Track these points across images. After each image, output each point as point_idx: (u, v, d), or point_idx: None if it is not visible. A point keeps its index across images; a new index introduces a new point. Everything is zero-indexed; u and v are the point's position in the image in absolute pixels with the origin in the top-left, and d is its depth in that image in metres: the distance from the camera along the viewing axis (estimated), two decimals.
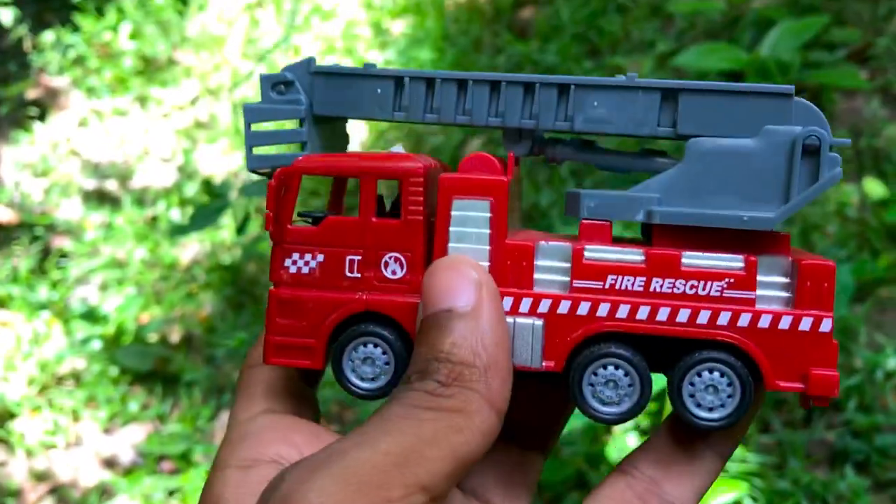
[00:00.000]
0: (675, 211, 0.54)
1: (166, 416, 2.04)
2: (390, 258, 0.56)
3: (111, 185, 2.64)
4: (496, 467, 0.59)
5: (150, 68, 2.89)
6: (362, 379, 0.57)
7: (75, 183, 2.64)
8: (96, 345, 2.18)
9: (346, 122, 0.65)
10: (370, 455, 0.43)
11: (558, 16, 2.88)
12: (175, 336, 2.21)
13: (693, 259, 0.54)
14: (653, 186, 0.55)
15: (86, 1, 2.99)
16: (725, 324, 0.53)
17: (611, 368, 0.54)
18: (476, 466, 0.48)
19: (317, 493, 0.41)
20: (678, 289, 0.54)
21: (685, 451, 0.56)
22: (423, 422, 0.45)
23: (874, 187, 2.23)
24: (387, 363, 0.56)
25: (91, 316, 2.23)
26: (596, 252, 0.54)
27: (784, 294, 0.54)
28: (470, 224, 0.54)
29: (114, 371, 2.13)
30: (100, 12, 2.99)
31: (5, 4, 2.79)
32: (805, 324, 0.53)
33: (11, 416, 2.09)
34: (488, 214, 0.54)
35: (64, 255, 2.43)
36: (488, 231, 0.54)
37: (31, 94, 2.89)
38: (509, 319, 0.54)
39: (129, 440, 2.03)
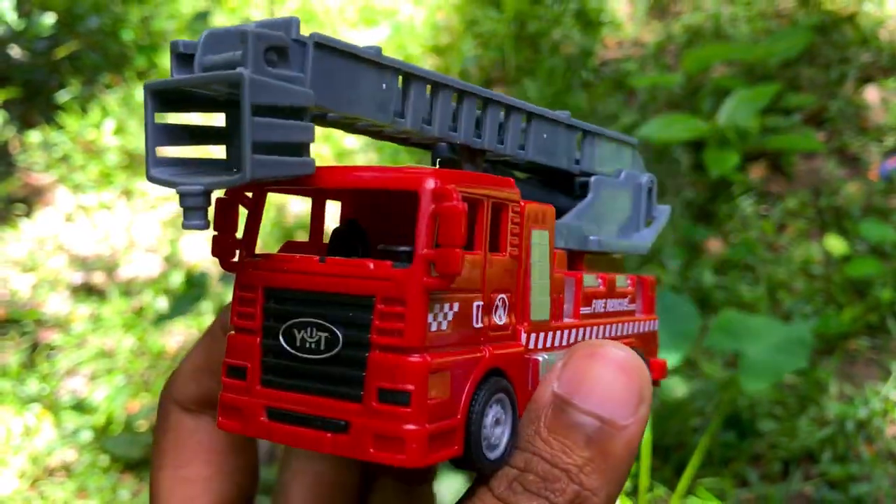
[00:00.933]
0: (607, 240, 0.61)
1: None
2: (500, 301, 0.46)
3: (98, 278, 2.69)
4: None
5: (135, 162, 2.98)
6: (491, 448, 0.45)
7: (63, 277, 2.69)
8: (86, 435, 2.21)
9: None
10: None
11: (525, 95, 3.00)
12: None
13: (620, 281, 0.60)
14: (578, 217, 0.59)
15: (70, 100, 3.09)
16: (636, 332, 0.62)
17: None
18: None
19: None
20: (619, 307, 0.60)
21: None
22: None
23: (836, 244, 2.31)
24: (510, 423, 0.46)
25: (80, 407, 2.26)
26: (587, 279, 0.56)
27: (636, 305, 0.64)
28: (539, 256, 0.50)
29: (104, 460, 2.16)
30: (84, 111, 3.09)
31: None
32: (653, 325, 0.64)
33: None
34: (547, 245, 0.51)
35: (52, 348, 2.48)
36: (549, 264, 0.50)
37: (18, 192, 2.97)
38: (544, 356, 0.50)
39: None
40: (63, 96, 3.10)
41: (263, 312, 0.46)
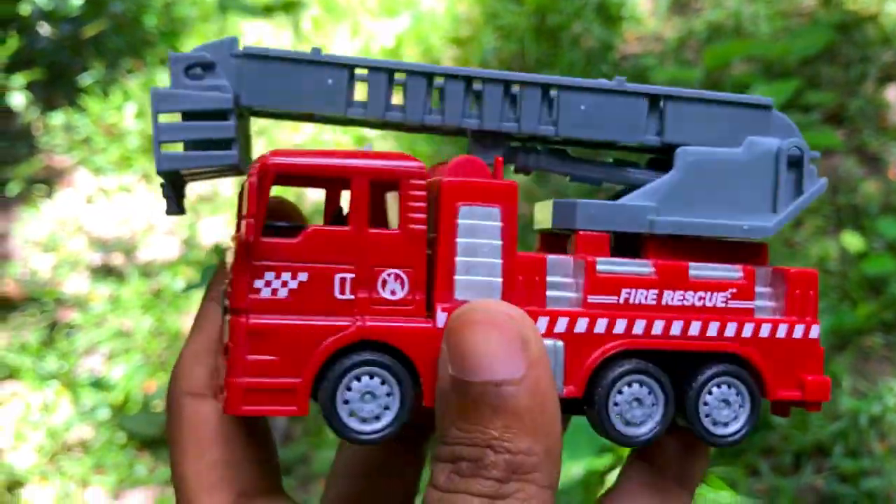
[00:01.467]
0: (679, 220, 0.53)
1: None
2: (389, 275, 0.47)
3: (117, 259, 2.72)
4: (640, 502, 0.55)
5: None
6: (363, 420, 0.47)
7: (82, 258, 2.72)
8: (103, 413, 2.24)
9: (250, 120, 0.57)
10: None
11: None
12: None
13: (699, 270, 0.53)
14: (649, 195, 0.53)
15: (93, 83, 3.12)
16: (732, 335, 0.52)
17: (636, 386, 0.52)
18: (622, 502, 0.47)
19: None
20: (688, 301, 0.52)
21: (656, 490, 0.55)
22: None
23: (852, 241, 2.32)
24: (389, 395, 0.47)
25: (99, 385, 2.29)
26: (608, 265, 0.51)
27: (771, 303, 0.54)
28: (480, 234, 0.48)
29: (121, 438, 2.18)
30: (106, 94, 3.12)
31: (19, 89, 2.92)
32: (798, 331, 0.53)
33: (21, 484, 2.14)
34: (499, 223, 0.49)
35: (71, 326, 2.51)
36: (500, 243, 0.49)
37: (40, 173, 3.00)
38: None
39: None
40: (86, 79, 3.13)
41: None
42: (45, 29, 3.15)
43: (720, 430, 0.53)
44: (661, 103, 0.54)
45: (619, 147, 0.57)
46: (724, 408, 0.53)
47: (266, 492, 0.53)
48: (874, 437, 1.85)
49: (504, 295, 0.49)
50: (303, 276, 0.46)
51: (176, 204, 0.52)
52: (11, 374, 2.38)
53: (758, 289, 0.54)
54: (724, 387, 0.53)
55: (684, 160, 0.54)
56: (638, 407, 0.51)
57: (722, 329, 0.52)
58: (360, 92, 0.53)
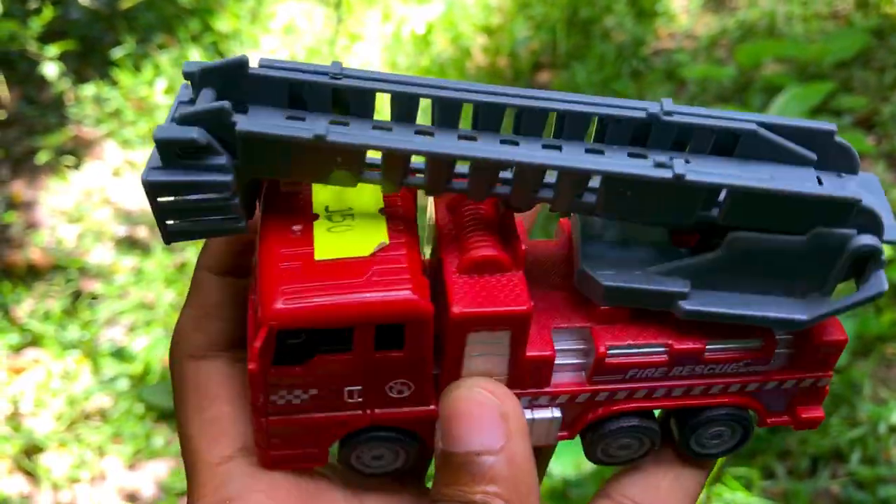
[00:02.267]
0: (704, 311, 0.49)
1: None
2: (395, 384, 0.50)
3: (142, 232, 2.74)
4: None
5: None
6: (370, 468, 0.54)
7: (107, 229, 2.74)
8: (123, 383, 2.26)
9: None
10: None
11: (574, 80, 2.99)
12: None
13: (716, 347, 0.52)
14: (683, 273, 0.49)
15: (124, 57, 3.14)
16: (737, 391, 0.53)
17: (624, 440, 0.54)
18: None
19: None
20: (697, 371, 0.52)
21: (670, 471, 0.57)
22: None
23: None
24: (396, 455, 0.53)
25: (120, 355, 2.31)
26: (619, 350, 0.51)
27: (787, 351, 0.53)
28: (486, 351, 0.49)
29: (139, 408, 2.21)
30: (137, 68, 3.14)
31: (52, 59, 2.94)
32: (807, 383, 0.53)
33: (39, 449, 2.16)
34: (507, 343, 0.49)
35: (95, 297, 2.53)
36: (507, 356, 0.49)
37: (69, 144, 3.03)
38: (528, 415, 0.51)
39: (152, 475, 2.10)
40: (118, 53, 3.14)
41: None
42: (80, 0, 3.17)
43: (705, 451, 0.56)
44: (722, 193, 0.47)
45: None
46: (714, 439, 0.56)
47: None
48: (893, 445, 1.84)
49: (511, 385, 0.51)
50: (313, 391, 0.49)
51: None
52: (34, 340, 2.41)
53: (777, 351, 0.52)
54: (718, 427, 0.55)
55: (735, 246, 0.48)
56: (623, 449, 0.55)
57: (726, 387, 0.53)
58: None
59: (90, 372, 2.31)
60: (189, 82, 0.47)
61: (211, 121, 0.44)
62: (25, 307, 2.49)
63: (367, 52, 3.40)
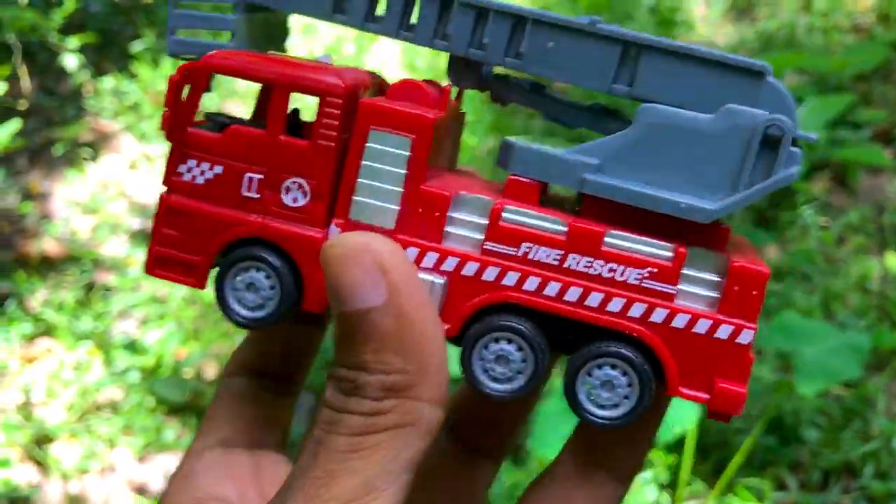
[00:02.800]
0: (609, 184, 0.48)
1: None
2: (293, 183, 0.50)
3: None
4: (444, 478, 0.56)
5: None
6: (245, 307, 0.51)
7: (122, 222, 2.75)
8: (134, 376, 2.27)
9: (288, 14, 0.59)
10: (328, 494, 0.40)
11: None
12: (210, 372, 2.30)
13: (617, 239, 0.48)
14: (594, 150, 0.49)
15: (143, 51, 3.15)
16: (637, 316, 0.48)
17: (503, 343, 0.49)
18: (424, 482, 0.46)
19: None
20: (594, 270, 0.48)
21: (586, 479, 0.52)
22: (369, 451, 0.40)
23: (895, 261, 2.29)
24: (272, 289, 0.50)
25: (132, 348, 2.32)
26: (515, 214, 0.49)
27: (711, 294, 0.48)
28: (385, 160, 0.48)
29: (150, 401, 2.21)
30: (156, 63, 3.15)
31: (72, 51, 2.95)
32: (723, 331, 0.48)
33: (50, 439, 2.17)
34: (407, 153, 0.48)
35: (108, 289, 2.53)
36: (404, 172, 0.49)
37: (86, 136, 3.04)
38: None
39: (161, 469, 2.10)
40: (137, 46, 3.16)
41: None
42: None
43: (595, 410, 0.49)
44: (638, 53, 0.49)
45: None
46: (604, 390, 0.49)
47: (250, 445, 0.57)
48: None
49: (398, 223, 0.49)
50: (218, 169, 0.51)
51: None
52: (47, 330, 2.41)
53: (690, 273, 0.48)
54: (610, 368, 0.49)
55: (644, 118, 0.48)
56: (503, 364, 0.49)
57: (626, 307, 0.48)
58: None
59: (102, 363, 2.32)
60: None
61: None
62: (39, 297, 2.49)
63: (384, 52, 3.41)
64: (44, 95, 3.13)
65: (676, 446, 1.71)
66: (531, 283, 0.48)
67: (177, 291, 2.48)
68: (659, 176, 0.48)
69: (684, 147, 0.48)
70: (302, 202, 0.50)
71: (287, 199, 0.50)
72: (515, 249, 0.48)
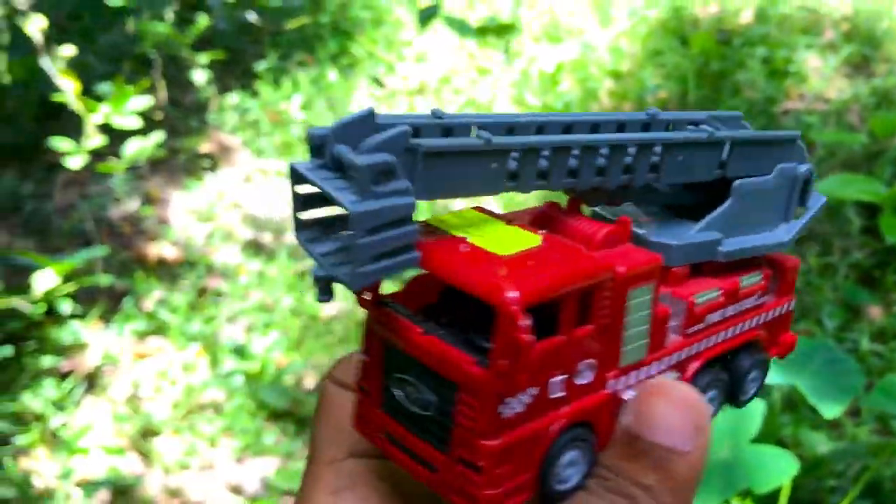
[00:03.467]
0: (740, 248, 0.60)
1: (294, 453, 2.19)
2: (584, 367, 0.50)
3: (267, 238, 2.87)
4: None
5: None
6: (563, 483, 0.51)
7: (235, 232, 2.88)
8: (239, 380, 2.37)
9: None
10: None
11: None
12: (310, 381, 2.38)
13: (745, 282, 0.60)
14: (714, 225, 0.59)
15: (266, 70, 3.29)
16: (758, 324, 0.63)
17: (711, 391, 0.60)
18: None
19: None
20: (739, 308, 0.60)
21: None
22: None
23: None
24: (586, 463, 0.52)
25: (240, 352, 2.42)
26: (699, 298, 0.57)
27: (770, 283, 0.64)
28: (638, 311, 0.52)
29: (252, 405, 2.30)
30: (276, 82, 3.29)
31: (202, 67, 3.11)
32: (786, 307, 0.65)
33: (155, 433, 2.28)
34: (650, 298, 0.53)
35: (219, 294, 2.65)
36: (649, 314, 0.53)
37: (206, 148, 3.19)
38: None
39: (258, 471, 2.19)
40: (260, 66, 3.30)
41: (380, 356, 0.53)
42: (252, 17, 3.35)
43: (750, 395, 0.64)
44: (733, 147, 0.61)
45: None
46: (753, 380, 0.63)
47: (378, 455, 0.59)
48: None
49: (650, 350, 0.54)
50: (534, 391, 0.48)
51: (329, 291, 0.51)
52: (159, 329, 2.54)
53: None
54: (754, 369, 0.63)
55: (739, 192, 0.60)
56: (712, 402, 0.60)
57: (752, 320, 0.62)
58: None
59: (208, 365, 2.43)
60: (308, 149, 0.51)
61: (393, 146, 0.46)
62: (154, 297, 2.63)
63: (494, 86, 3.49)
64: (171, 107, 3.30)
65: (769, 500, 1.71)
66: (714, 339, 0.59)
67: (283, 302, 2.59)
68: (749, 229, 0.62)
69: (761, 203, 0.62)
70: (591, 378, 0.51)
71: (581, 381, 0.50)
72: (703, 324, 0.58)
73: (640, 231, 0.58)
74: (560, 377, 0.49)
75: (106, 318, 2.69)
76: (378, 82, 3.39)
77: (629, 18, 3.77)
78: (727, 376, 0.62)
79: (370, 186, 0.44)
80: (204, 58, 3.14)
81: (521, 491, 0.49)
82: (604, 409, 0.52)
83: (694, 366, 0.57)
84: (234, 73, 3.41)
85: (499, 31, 2.21)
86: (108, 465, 2.40)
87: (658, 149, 0.57)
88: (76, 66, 2.86)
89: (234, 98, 3.21)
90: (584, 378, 0.50)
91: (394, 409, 0.52)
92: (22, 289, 2.89)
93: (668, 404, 0.50)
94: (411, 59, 3.53)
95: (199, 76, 3.11)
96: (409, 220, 0.46)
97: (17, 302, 2.79)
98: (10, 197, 3.52)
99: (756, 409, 1.61)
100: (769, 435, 1.75)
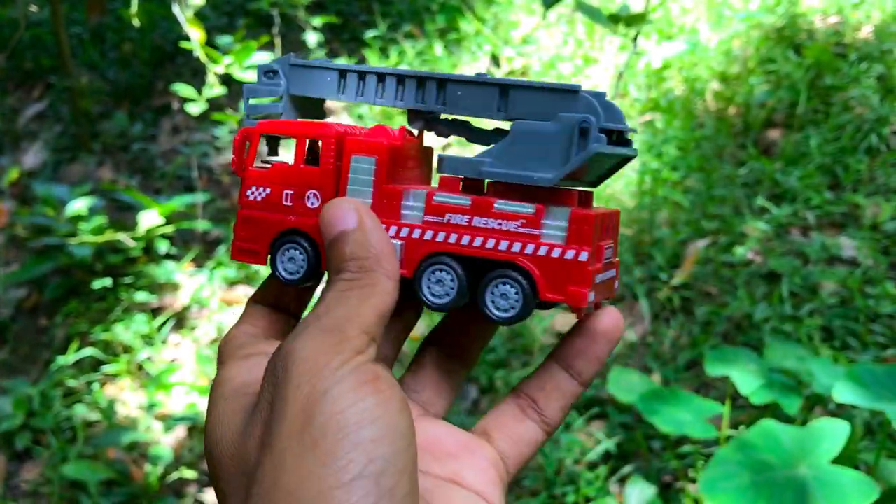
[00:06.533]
0: (493, 171, 0.73)
1: None
2: (311, 193, 0.74)
3: None
4: (430, 375, 0.77)
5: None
6: (287, 273, 0.74)
7: None
8: None
9: (324, 102, 0.83)
10: (328, 318, 0.62)
11: (807, 143, 2.94)
12: None
13: (501, 205, 0.72)
14: (488, 154, 0.74)
15: (374, 38, 3.34)
16: (518, 251, 0.73)
17: (439, 273, 0.74)
18: (417, 376, 0.74)
19: (300, 341, 0.60)
20: (489, 224, 0.73)
21: (443, 369, 0.78)
22: (351, 297, 0.64)
23: None
24: (303, 262, 0.74)
25: None
26: (441, 197, 0.73)
27: (563, 234, 0.73)
28: (361, 173, 0.73)
29: None
30: (384, 52, 3.34)
31: (315, 29, 3.17)
32: (569, 254, 0.72)
33: None
34: (373, 167, 0.73)
35: None
36: (373, 178, 0.73)
37: None
38: None
39: None
40: (369, 34, 3.35)
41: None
42: None
43: (497, 313, 0.73)
44: (507, 91, 0.74)
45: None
46: (503, 300, 0.73)
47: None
48: None
49: (372, 208, 0.71)
50: (267, 190, 0.75)
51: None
52: (248, 279, 2.61)
53: (549, 222, 0.72)
54: (503, 285, 0.74)
55: (516, 130, 0.73)
56: (440, 285, 0.74)
57: (510, 245, 0.72)
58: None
59: None
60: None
61: (283, 62, 0.77)
62: None
63: (598, 76, 3.47)
64: None
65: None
66: (453, 238, 0.74)
67: None
68: (527, 164, 0.73)
69: (538, 144, 0.73)
70: (317, 204, 0.74)
71: (308, 204, 0.74)
72: (441, 218, 0.73)
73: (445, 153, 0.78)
74: (289, 191, 0.74)
75: (199, 261, 2.79)
76: (496, 61, 3.41)
77: (743, 22, 3.69)
78: (466, 277, 0.74)
79: (261, 78, 0.77)
80: (317, 20, 3.20)
81: (251, 253, 0.75)
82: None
83: (429, 246, 0.73)
84: (343, 39, 3.46)
85: (629, 20, 2.19)
86: (187, 402, 2.50)
87: (433, 85, 0.76)
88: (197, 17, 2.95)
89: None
90: (311, 203, 0.74)
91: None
92: (123, 225, 3.01)
93: (329, 210, 0.68)
94: (517, 41, 3.53)
95: (312, 38, 3.17)
96: (279, 90, 0.77)
97: (121, 236, 2.91)
98: (119, 135, 3.66)
99: (838, 431, 1.60)
100: (847, 458, 1.72)
